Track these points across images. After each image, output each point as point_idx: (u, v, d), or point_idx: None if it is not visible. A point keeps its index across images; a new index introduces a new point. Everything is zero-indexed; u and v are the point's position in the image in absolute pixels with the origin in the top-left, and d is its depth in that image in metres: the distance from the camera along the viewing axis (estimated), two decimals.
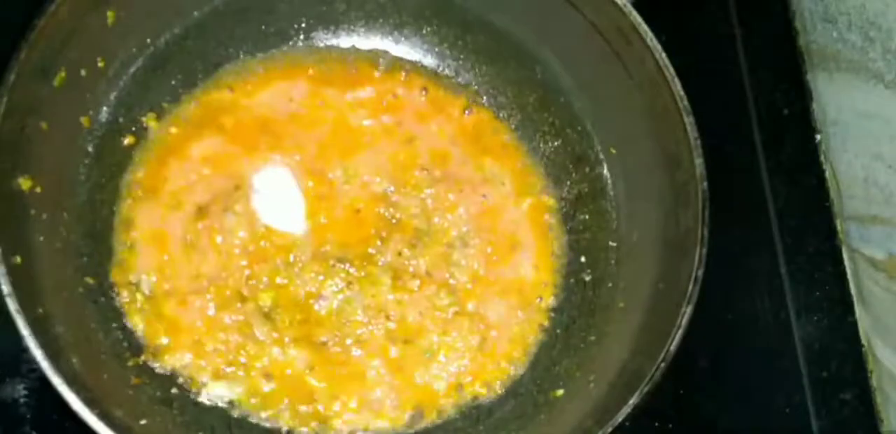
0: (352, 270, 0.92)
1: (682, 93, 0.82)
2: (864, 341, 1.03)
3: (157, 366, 0.87)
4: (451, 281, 0.93)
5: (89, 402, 0.71)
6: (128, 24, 0.86)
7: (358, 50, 1.00)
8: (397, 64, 1.00)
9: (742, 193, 1.05)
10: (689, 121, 0.82)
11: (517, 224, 0.97)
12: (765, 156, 1.07)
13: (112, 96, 0.90)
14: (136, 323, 0.88)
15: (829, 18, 1.09)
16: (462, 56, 1.00)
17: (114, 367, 0.84)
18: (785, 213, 1.05)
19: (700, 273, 0.79)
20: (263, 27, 0.97)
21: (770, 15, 1.14)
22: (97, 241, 0.89)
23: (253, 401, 0.88)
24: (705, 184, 0.81)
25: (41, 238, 0.80)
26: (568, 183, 0.98)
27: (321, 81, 0.98)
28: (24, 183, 0.79)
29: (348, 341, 0.90)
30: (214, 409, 0.87)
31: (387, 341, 0.91)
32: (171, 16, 0.92)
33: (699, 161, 0.82)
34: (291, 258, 0.92)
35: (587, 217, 0.97)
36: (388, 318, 0.91)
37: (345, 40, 1.00)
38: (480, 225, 0.96)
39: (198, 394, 0.87)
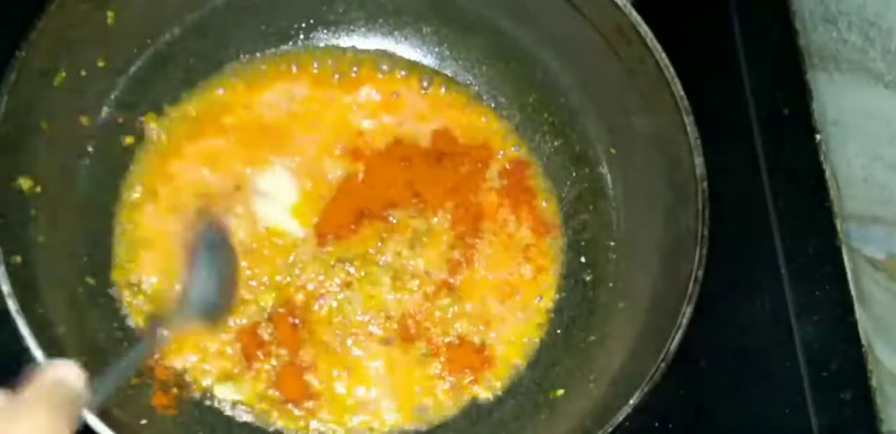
0: (352, 270, 0.92)
1: (682, 93, 0.82)
2: (864, 341, 1.03)
3: (157, 366, 0.87)
4: (451, 281, 0.93)
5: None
6: (128, 24, 0.86)
7: (358, 50, 1.00)
8: (397, 64, 1.00)
9: (742, 193, 1.05)
10: (689, 121, 0.82)
11: (517, 224, 0.97)
12: (765, 156, 1.07)
13: (112, 96, 0.90)
14: (137, 323, 0.88)
15: (829, 18, 1.09)
16: (462, 56, 1.00)
17: None
18: (785, 213, 1.05)
19: (700, 273, 0.79)
20: (263, 27, 0.97)
21: (770, 15, 1.14)
22: (97, 241, 0.89)
23: (255, 401, 0.88)
24: (705, 184, 0.81)
25: (41, 238, 0.80)
26: (568, 183, 0.98)
27: (321, 81, 0.98)
28: (24, 183, 0.79)
29: (348, 341, 0.90)
30: (215, 409, 0.87)
31: (387, 341, 0.91)
32: (172, 16, 0.92)
33: (699, 161, 0.82)
34: (292, 258, 0.92)
35: (587, 217, 0.97)
36: (388, 318, 0.92)
37: (345, 40, 1.00)
38: (480, 225, 0.96)
39: (201, 394, 0.87)
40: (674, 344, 0.77)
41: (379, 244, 0.93)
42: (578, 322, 0.93)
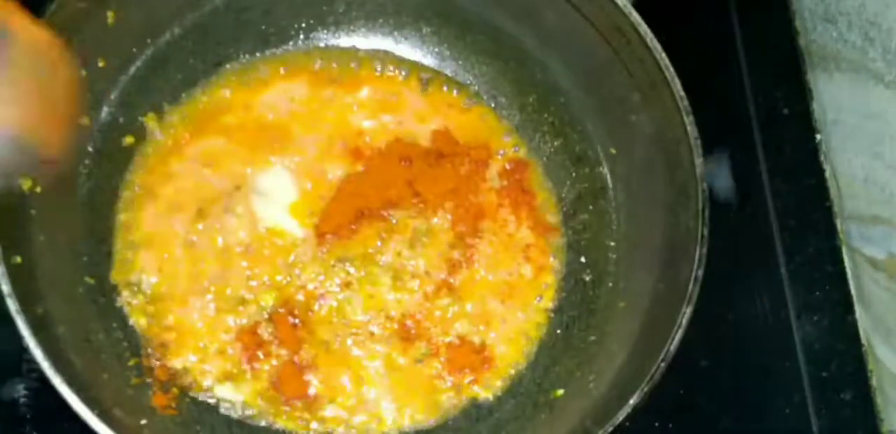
0: (352, 270, 0.92)
1: (682, 93, 0.82)
2: (864, 341, 1.03)
3: (157, 366, 0.87)
4: (451, 281, 0.93)
5: (89, 402, 0.71)
6: (128, 24, 0.86)
7: (358, 50, 1.00)
8: (397, 64, 1.00)
9: (742, 193, 1.05)
10: (689, 121, 0.82)
11: (517, 224, 0.97)
12: (765, 156, 1.07)
13: (112, 96, 0.90)
14: (137, 323, 0.88)
15: (829, 18, 1.09)
16: (462, 56, 1.00)
17: (114, 367, 0.84)
18: (785, 213, 1.05)
19: (700, 273, 0.79)
20: (263, 27, 0.97)
21: (770, 15, 1.14)
22: (97, 241, 0.89)
23: (255, 401, 0.88)
24: (705, 184, 0.81)
25: (41, 238, 0.80)
26: (568, 183, 0.98)
27: (321, 81, 0.98)
28: (24, 183, 0.79)
29: (349, 341, 0.90)
30: (215, 409, 0.87)
31: (387, 341, 0.91)
32: (171, 16, 0.92)
33: (699, 161, 0.82)
34: (292, 258, 0.92)
35: (587, 217, 0.97)
36: (388, 318, 0.92)
37: (345, 40, 1.00)
38: (480, 225, 0.96)
39: (201, 394, 0.87)
40: (674, 344, 0.77)
41: (379, 244, 0.93)
42: (578, 322, 0.93)
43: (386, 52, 1.00)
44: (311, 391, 0.89)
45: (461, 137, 0.98)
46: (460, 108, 1.00)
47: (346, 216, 0.93)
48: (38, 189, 0.80)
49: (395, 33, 1.00)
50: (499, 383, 0.92)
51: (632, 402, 0.76)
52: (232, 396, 0.88)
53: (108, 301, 0.88)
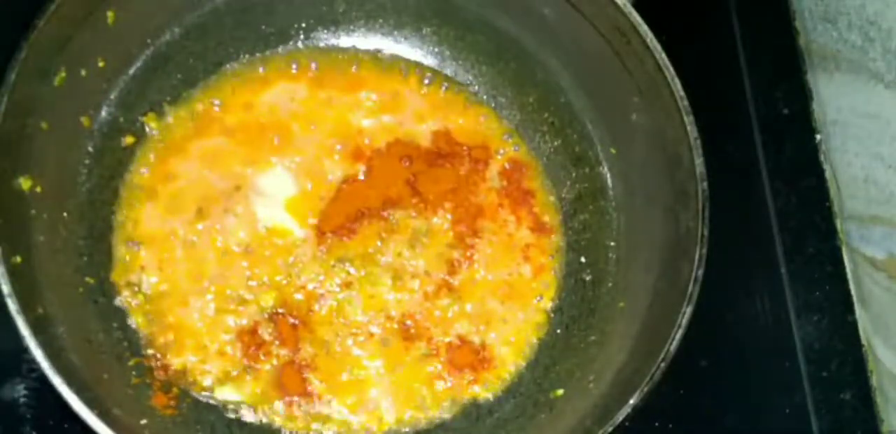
0: (352, 270, 0.92)
1: (682, 93, 0.82)
2: (864, 341, 1.03)
3: (157, 366, 0.87)
4: (451, 281, 0.93)
5: (89, 402, 0.71)
6: (128, 24, 0.86)
7: (358, 50, 1.00)
8: (397, 64, 1.00)
9: (742, 193, 1.05)
10: (689, 121, 0.82)
11: (517, 224, 0.97)
12: (765, 156, 1.07)
13: (112, 96, 0.90)
14: (137, 323, 0.88)
15: (829, 18, 1.09)
16: (462, 56, 1.00)
17: (114, 367, 0.84)
18: (785, 213, 1.05)
19: (700, 273, 0.79)
20: (263, 27, 0.97)
21: (770, 15, 1.14)
22: (97, 241, 0.89)
23: (255, 401, 0.88)
24: (705, 184, 0.81)
25: (41, 238, 0.80)
26: (568, 183, 0.98)
27: (321, 81, 0.98)
28: (24, 183, 0.79)
29: (349, 341, 0.91)
30: (215, 409, 0.87)
31: (387, 341, 0.91)
32: (171, 16, 0.92)
33: (699, 161, 0.82)
34: (292, 259, 0.92)
35: (587, 217, 0.97)
36: (388, 318, 0.92)
37: (345, 40, 1.00)
38: (480, 225, 0.96)
39: (201, 394, 0.87)
40: (674, 344, 0.77)
41: (379, 244, 0.93)
42: (578, 322, 0.93)
43: (386, 52, 1.00)
44: (312, 391, 0.89)
45: (461, 137, 0.98)
46: (460, 108, 1.00)
47: (346, 216, 0.93)
48: (38, 189, 0.80)
49: (395, 33, 1.00)
50: (499, 383, 0.92)
51: (632, 402, 0.76)
52: (232, 396, 0.88)
53: (108, 301, 0.88)
